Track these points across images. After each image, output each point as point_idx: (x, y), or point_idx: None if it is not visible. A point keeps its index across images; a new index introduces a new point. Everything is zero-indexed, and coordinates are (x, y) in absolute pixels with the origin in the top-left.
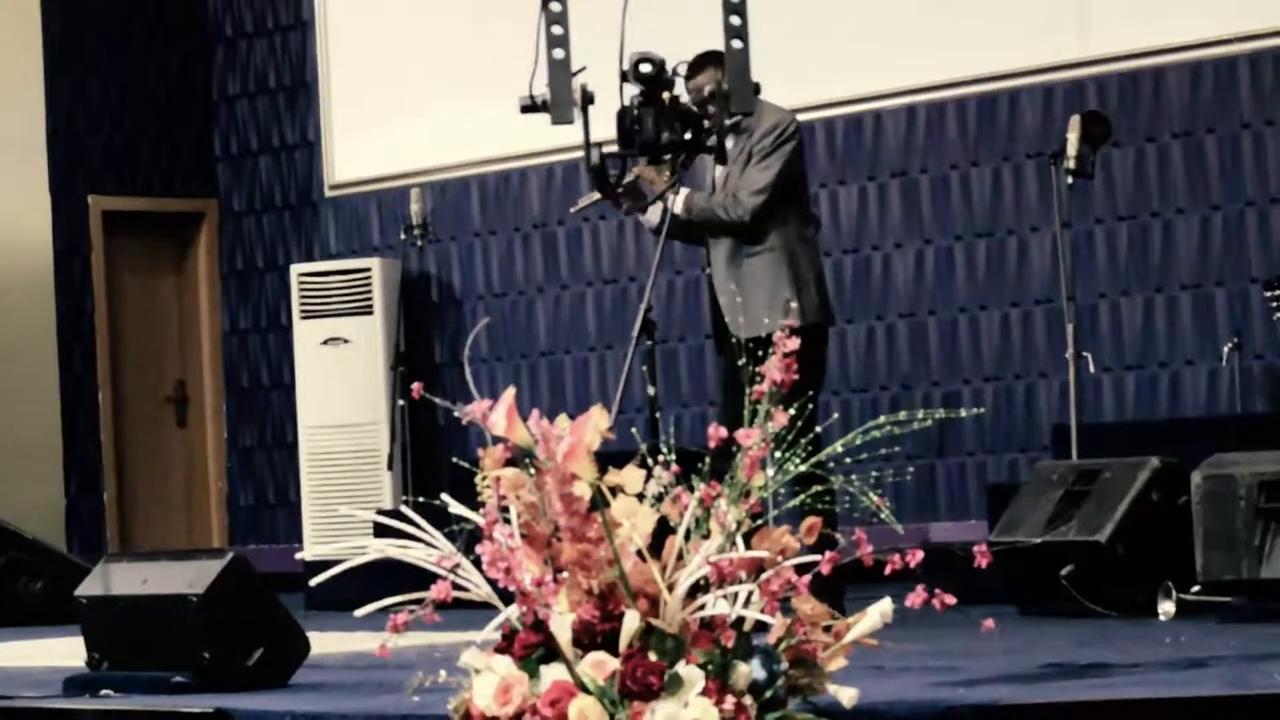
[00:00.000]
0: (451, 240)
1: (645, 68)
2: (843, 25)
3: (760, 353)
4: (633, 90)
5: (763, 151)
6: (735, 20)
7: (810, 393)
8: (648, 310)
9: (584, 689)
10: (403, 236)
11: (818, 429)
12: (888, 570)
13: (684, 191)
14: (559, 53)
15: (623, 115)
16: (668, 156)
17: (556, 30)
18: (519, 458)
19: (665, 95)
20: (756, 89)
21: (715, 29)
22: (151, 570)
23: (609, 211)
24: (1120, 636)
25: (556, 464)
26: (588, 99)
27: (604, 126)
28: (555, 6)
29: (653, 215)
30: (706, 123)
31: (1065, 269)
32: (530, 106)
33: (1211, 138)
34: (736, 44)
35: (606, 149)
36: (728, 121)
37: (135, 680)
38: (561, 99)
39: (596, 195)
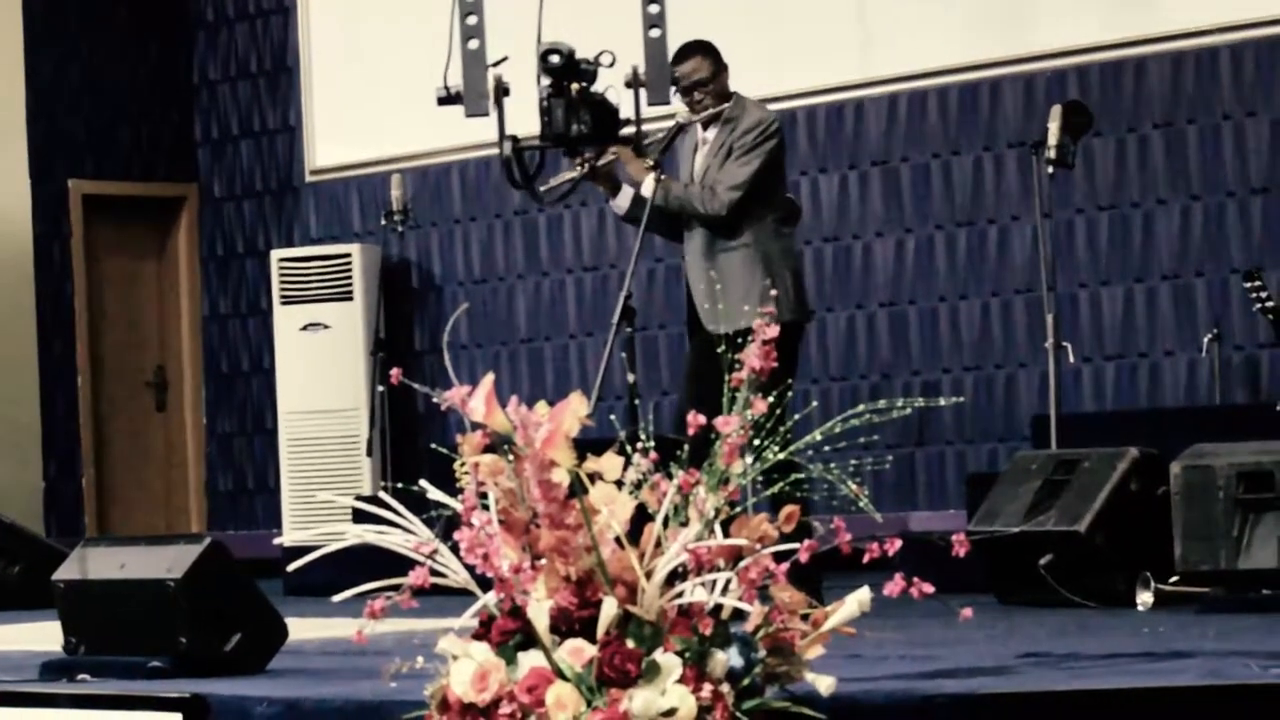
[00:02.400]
0: (432, 226)
1: (553, 58)
2: (824, 13)
3: (736, 347)
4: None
5: (744, 147)
6: (654, 8)
7: (784, 387)
8: (628, 297)
9: (561, 676)
10: (383, 222)
11: (795, 417)
12: (866, 559)
13: (662, 176)
14: (473, 43)
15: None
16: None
17: (471, 20)
18: (497, 444)
19: (575, 86)
20: (674, 79)
21: (636, 18)
22: (129, 555)
23: (589, 198)
24: (1098, 626)
25: (535, 450)
26: (503, 90)
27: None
28: None
29: (621, 201)
30: (623, 116)
31: (1046, 259)
32: (446, 98)
33: (1192, 128)
34: (654, 32)
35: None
36: (710, 112)
37: (112, 665)
38: (475, 90)
39: (566, 176)
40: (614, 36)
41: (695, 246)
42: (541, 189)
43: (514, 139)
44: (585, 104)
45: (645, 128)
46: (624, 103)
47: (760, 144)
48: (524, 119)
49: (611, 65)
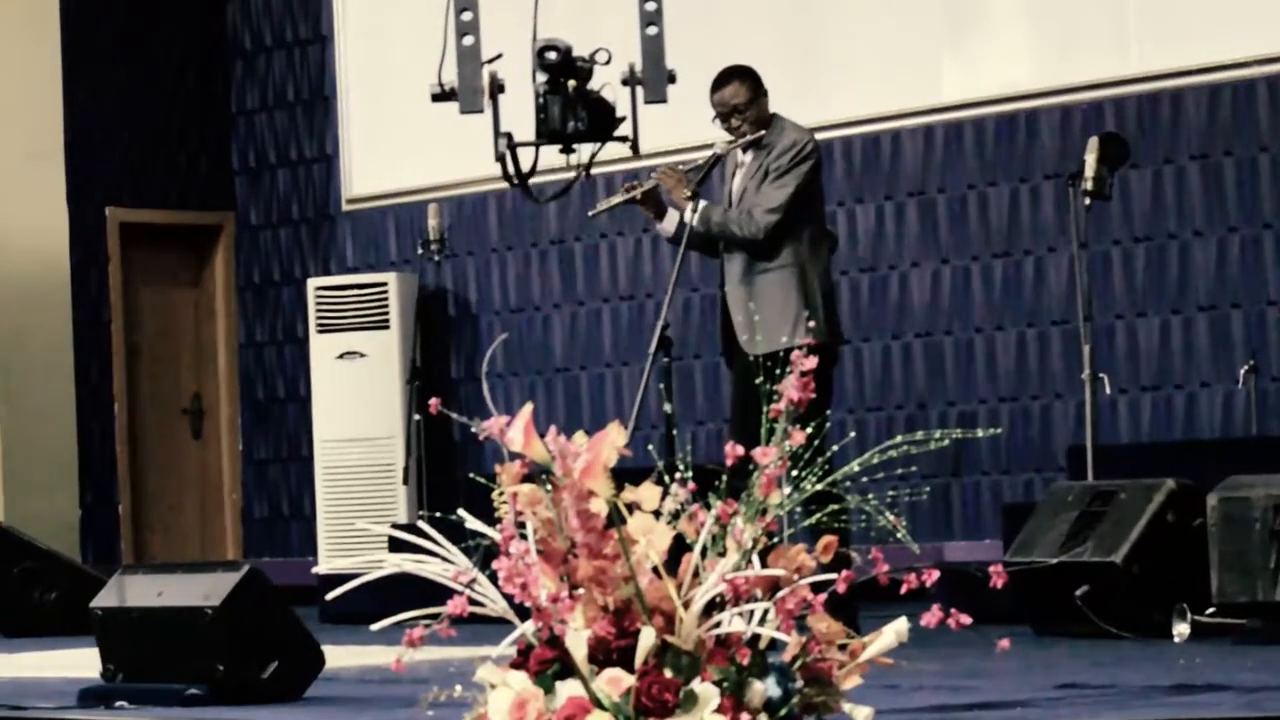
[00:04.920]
0: (468, 255)
1: (550, 55)
2: (861, 44)
3: (774, 369)
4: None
5: (779, 170)
6: (650, 6)
7: (822, 418)
8: (665, 327)
9: (599, 705)
10: (420, 251)
11: (834, 448)
12: (903, 589)
13: (702, 204)
14: (468, 39)
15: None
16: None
17: (466, 16)
18: (536, 474)
19: (571, 83)
20: (671, 77)
21: (633, 16)
22: (167, 582)
23: (626, 227)
24: (1135, 658)
25: (573, 480)
26: (498, 87)
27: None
28: None
29: (667, 225)
30: (620, 114)
31: (1082, 290)
32: (440, 95)
33: (1229, 160)
34: (651, 30)
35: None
36: (750, 138)
37: (150, 692)
38: (470, 87)
39: (616, 199)
40: (610, 34)
41: (734, 270)
42: (591, 213)
43: (508, 136)
44: (582, 101)
45: (684, 157)
46: (620, 100)
47: (796, 165)
48: (519, 118)
49: (608, 63)
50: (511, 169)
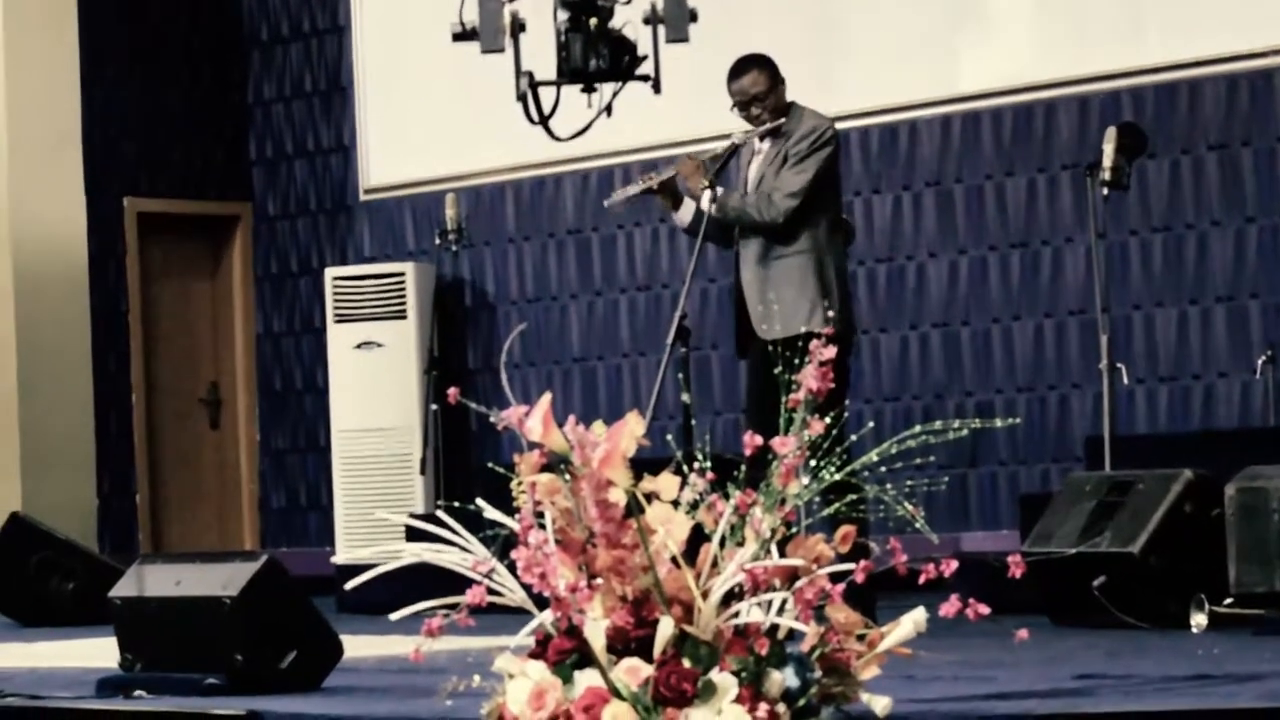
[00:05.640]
0: (486, 245)
1: None
2: (878, 35)
3: (791, 356)
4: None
5: (799, 155)
6: None
7: (840, 407)
8: (682, 317)
9: (618, 695)
10: (437, 241)
11: (852, 437)
12: (921, 579)
13: (719, 190)
14: None
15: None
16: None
17: None
18: (554, 463)
19: (593, 21)
20: (693, 15)
21: None
22: (185, 572)
23: (643, 217)
24: (1153, 648)
25: (592, 470)
26: (519, 26)
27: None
28: None
29: (684, 214)
30: (748, 124)
31: (1099, 280)
32: (461, 34)
33: (1247, 150)
34: None
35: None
36: (768, 126)
37: (168, 682)
38: (490, 26)
39: (633, 190)
40: None
41: (750, 254)
42: (607, 203)
43: (530, 75)
44: (604, 39)
45: (702, 146)
46: (642, 39)
47: (816, 151)
48: (540, 57)
49: (629, 2)
50: (533, 109)
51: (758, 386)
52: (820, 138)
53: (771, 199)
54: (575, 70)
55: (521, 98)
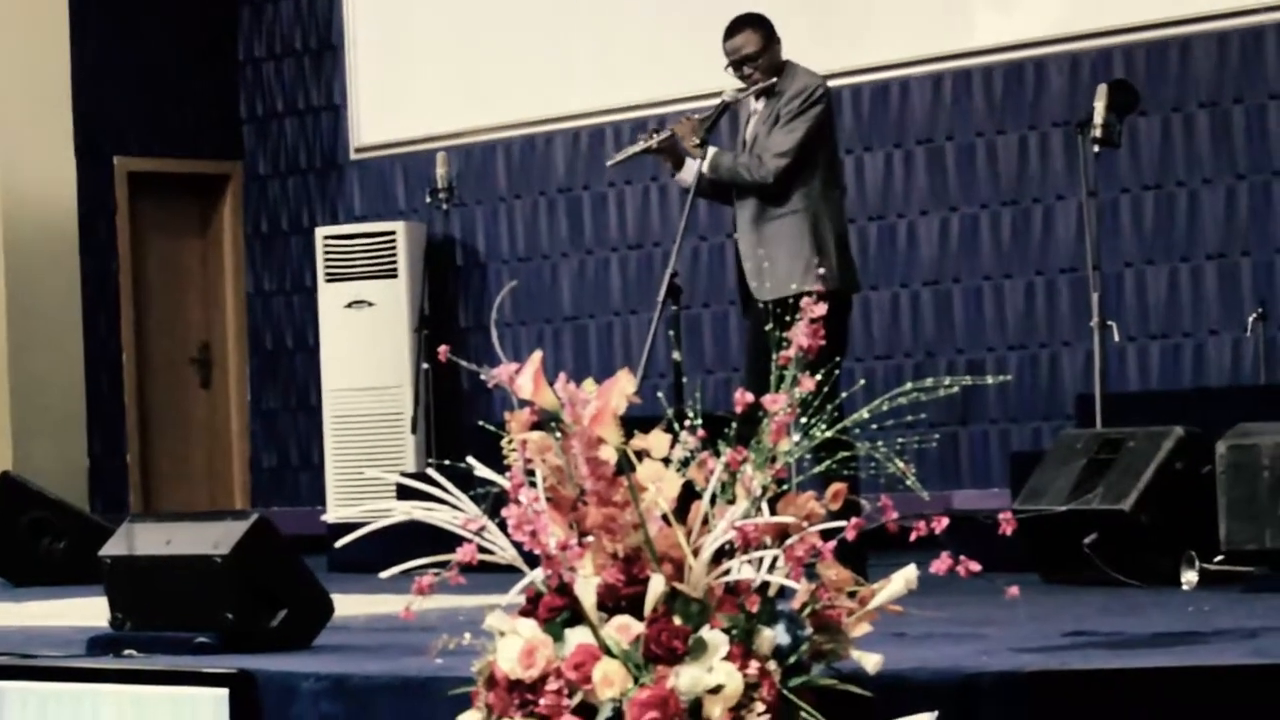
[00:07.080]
0: (477, 204)
1: None
2: None
3: (784, 315)
4: None
5: (790, 114)
6: None
7: (834, 360)
8: (673, 275)
9: (608, 652)
10: (428, 200)
11: (843, 395)
12: (912, 537)
13: (711, 150)
14: None
15: None
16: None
17: None
18: (545, 421)
19: None
20: None
21: None
22: (175, 531)
23: (634, 176)
24: (1143, 605)
25: (583, 428)
26: None
27: None
28: None
29: (686, 175)
30: (741, 83)
31: (1091, 238)
32: None
33: (1238, 108)
34: None
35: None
36: (761, 85)
37: (158, 640)
38: None
39: (633, 149)
40: None
41: (745, 215)
42: (609, 162)
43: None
44: None
45: (696, 105)
46: None
47: (806, 110)
48: None
49: None
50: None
51: (755, 347)
52: (810, 97)
53: (762, 159)
54: None
55: None
